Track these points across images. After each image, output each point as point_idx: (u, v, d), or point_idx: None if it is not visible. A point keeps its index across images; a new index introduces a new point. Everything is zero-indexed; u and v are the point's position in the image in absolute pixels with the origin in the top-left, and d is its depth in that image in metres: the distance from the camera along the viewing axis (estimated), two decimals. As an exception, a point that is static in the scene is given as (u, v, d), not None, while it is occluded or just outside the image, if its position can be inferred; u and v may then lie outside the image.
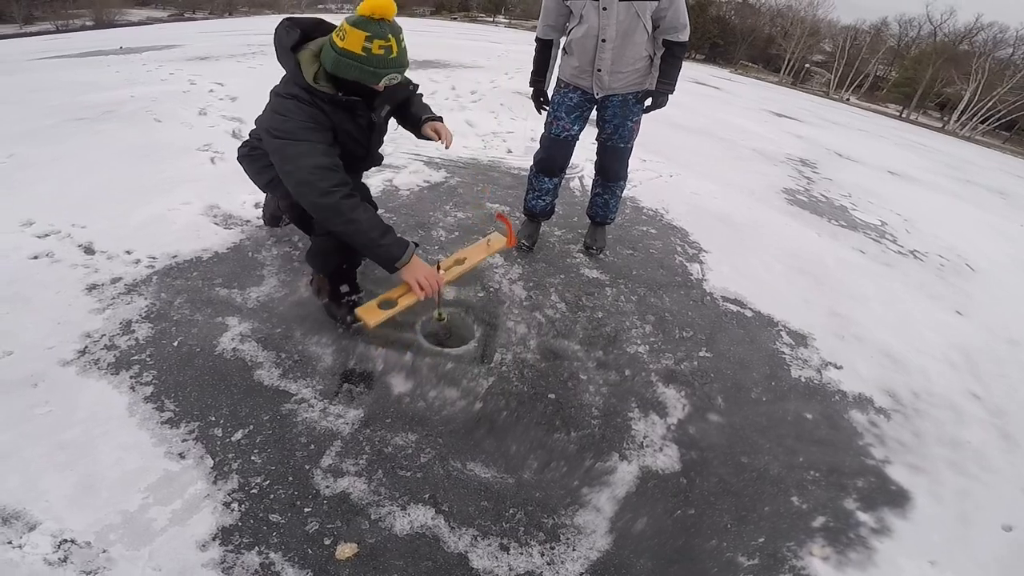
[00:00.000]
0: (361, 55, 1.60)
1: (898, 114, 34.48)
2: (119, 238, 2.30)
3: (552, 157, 2.61)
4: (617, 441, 1.75)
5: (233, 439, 1.51)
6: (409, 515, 1.40)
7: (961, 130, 31.72)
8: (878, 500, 1.75)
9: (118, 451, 1.43)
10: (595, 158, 2.69)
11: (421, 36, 13.99)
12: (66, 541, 1.22)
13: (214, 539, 1.27)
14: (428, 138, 2.05)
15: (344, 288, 2.04)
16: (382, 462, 1.52)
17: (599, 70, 2.34)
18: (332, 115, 1.69)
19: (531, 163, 2.71)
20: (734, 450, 1.81)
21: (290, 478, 1.44)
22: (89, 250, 2.22)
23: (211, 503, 1.35)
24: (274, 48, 1.72)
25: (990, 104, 32.95)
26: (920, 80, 36.33)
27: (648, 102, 2.46)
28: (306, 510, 1.37)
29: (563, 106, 2.50)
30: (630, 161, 2.66)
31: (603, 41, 2.27)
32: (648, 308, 2.47)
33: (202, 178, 3.00)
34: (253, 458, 1.47)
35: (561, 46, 2.46)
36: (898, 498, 1.78)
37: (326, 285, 2.04)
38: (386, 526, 1.36)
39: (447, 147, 2.03)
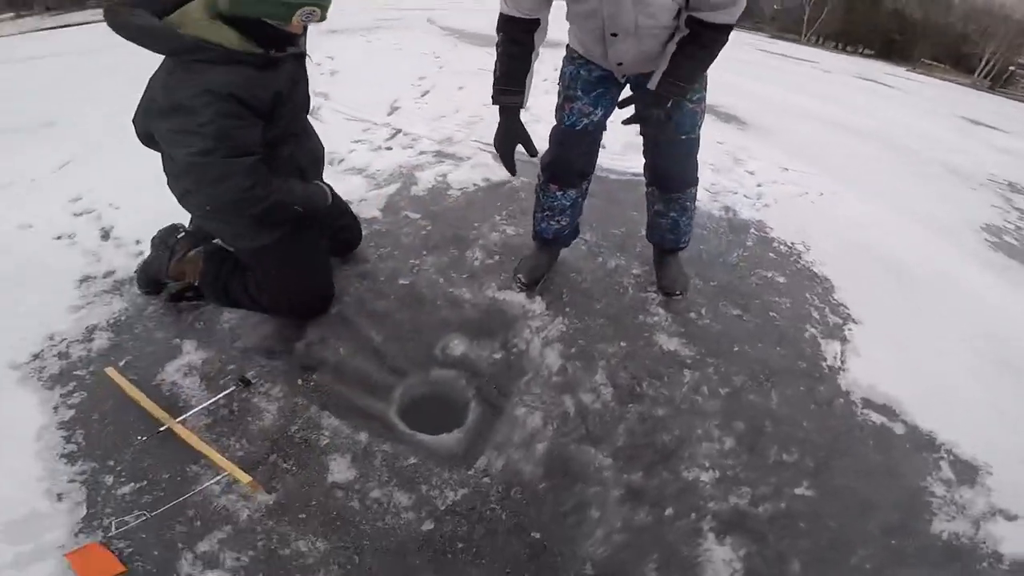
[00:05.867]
0: None
1: None
2: (139, 224, 2.18)
3: (566, 158, 1.80)
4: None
5: (119, 492, 1.32)
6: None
7: None
8: None
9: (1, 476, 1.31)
10: (646, 160, 1.89)
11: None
12: None
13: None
14: None
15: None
16: (269, 565, 1.23)
17: (619, 64, 1.63)
18: (265, 82, 1.40)
19: (537, 170, 1.94)
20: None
21: (155, 552, 1.22)
22: (106, 235, 2.18)
23: (59, 555, 1.18)
24: (112, 30, 1.28)
25: None
26: None
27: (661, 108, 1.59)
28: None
29: (578, 79, 1.71)
30: (702, 163, 1.87)
31: (613, 36, 1.53)
32: (741, 408, 1.70)
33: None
34: (128, 519, 1.25)
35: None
36: None
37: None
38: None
39: None
